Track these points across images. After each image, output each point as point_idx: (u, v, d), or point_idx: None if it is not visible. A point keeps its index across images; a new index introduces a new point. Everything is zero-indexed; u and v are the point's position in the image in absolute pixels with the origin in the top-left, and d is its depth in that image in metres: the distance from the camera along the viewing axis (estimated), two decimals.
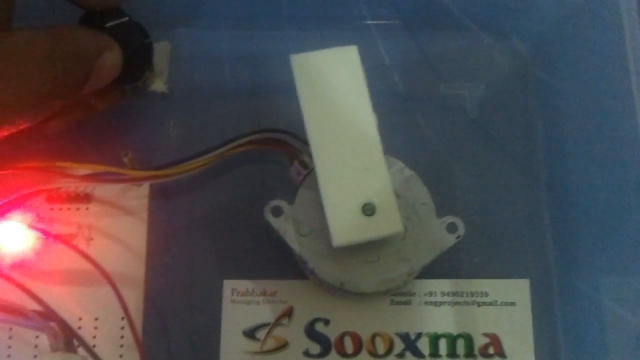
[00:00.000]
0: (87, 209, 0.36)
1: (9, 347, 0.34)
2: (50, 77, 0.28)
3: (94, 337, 0.34)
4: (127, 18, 0.32)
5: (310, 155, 0.33)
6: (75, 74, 0.29)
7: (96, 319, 0.34)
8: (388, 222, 0.31)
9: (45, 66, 0.28)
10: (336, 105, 0.32)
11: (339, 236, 0.31)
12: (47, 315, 0.28)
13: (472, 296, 0.36)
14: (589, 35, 0.36)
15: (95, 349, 0.30)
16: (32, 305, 0.29)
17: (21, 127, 0.29)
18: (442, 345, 0.35)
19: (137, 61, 0.33)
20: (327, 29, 0.40)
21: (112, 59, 0.31)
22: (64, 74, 0.28)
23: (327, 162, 0.31)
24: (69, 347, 0.27)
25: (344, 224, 0.31)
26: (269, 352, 0.35)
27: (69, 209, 0.36)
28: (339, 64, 0.32)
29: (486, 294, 0.36)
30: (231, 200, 0.37)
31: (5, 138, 0.29)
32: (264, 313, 0.35)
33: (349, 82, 0.32)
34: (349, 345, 0.35)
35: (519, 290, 0.36)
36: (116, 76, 0.32)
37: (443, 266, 0.36)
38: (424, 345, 0.35)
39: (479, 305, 0.36)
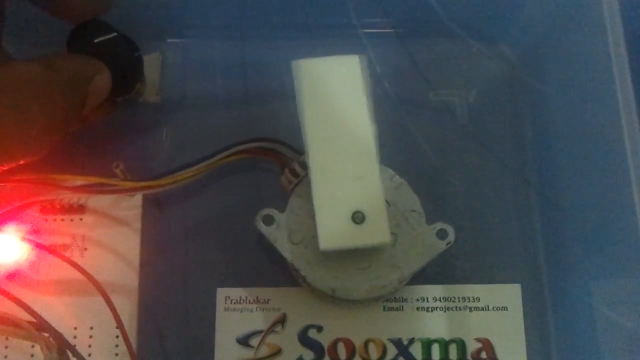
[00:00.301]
0: (81, 219, 0.36)
1: (5, 356, 0.34)
2: (49, 107, 0.28)
3: (89, 346, 0.34)
4: (115, 33, 0.32)
5: (301, 164, 0.34)
6: (72, 101, 0.29)
7: (91, 328, 0.35)
8: (376, 232, 0.31)
9: (43, 96, 0.27)
10: (335, 112, 0.32)
11: (327, 241, 0.31)
12: (41, 327, 0.28)
13: (464, 301, 0.36)
14: (575, 41, 0.36)
15: (91, 358, 0.31)
16: (26, 316, 0.29)
17: (23, 161, 0.28)
18: (435, 350, 0.36)
19: (127, 75, 0.34)
20: (318, 37, 0.41)
21: (102, 81, 0.31)
22: (62, 102, 0.28)
23: (322, 167, 0.32)
24: (63, 358, 0.28)
25: (333, 229, 0.31)
26: (263, 359, 0.35)
27: (63, 219, 0.36)
28: (340, 72, 0.32)
29: (478, 299, 0.36)
30: (224, 209, 0.38)
31: (6, 173, 0.29)
32: (258, 320, 0.36)
33: (349, 91, 0.32)
34: (342, 352, 0.35)
35: (510, 295, 0.37)
36: (106, 96, 0.32)
37: (435, 272, 0.37)
38: (416, 351, 0.35)
39: (471, 311, 0.36)
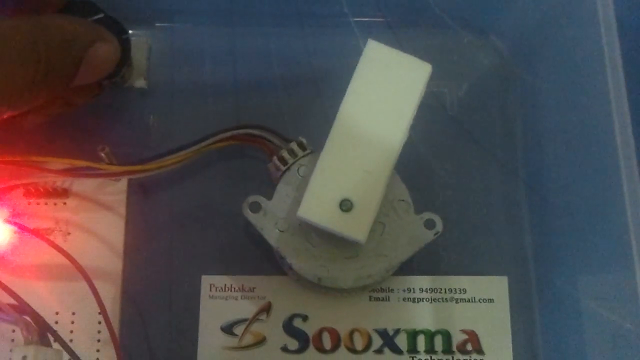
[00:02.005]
0: (65, 203, 0.36)
1: None
2: (33, 65, 0.27)
3: (71, 331, 0.34)
4: (102, 14, 0.32)
5: (289, 152, 0.34)
6: (61, 63, 0.29)
7: (73, 314, 0.34)
8: (355, 227, 0.30)
9: (27, 54, 0.27)
10: (378, 103, 0.31)
11: (306, 210, 0.30)
12: (22, 309, 0.28)
13: (450, 293, 0.36)
14: (567, 34, 0.36)
15: (72, 343, 0.30)
16: (7, 299, 0.29)
17: (4, 116, 0.28)
18: (420, 341, 0.35)
19: None
20: (309, 25, 0.40)
21: (105, 50, 0.31)
22: (49, 62, 0.28)
23: (339, 143, 0.31)
24: (43, 341, 0.27)
25: (317, 204, 0.30)
26: (247, 347, 0.35)
27: (46, 203, 0.36)
28: (407, 71, 0.32)
29: (464, 291, 0.36)
30: (210, 196, 0.37)
31: None
32: (242, 308, 0.35)
33: (404, 93, 0.31)
34: (327, 341, 0.35)
35: (497, 287, 0.36)
36: (112, 69, 0.32)
37: (422, 263, 0.36)
38: (402, 341, 0.35)
39: (457, 302, 0.36)
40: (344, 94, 0.31)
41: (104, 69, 0.31)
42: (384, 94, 0.31)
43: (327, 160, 0.31)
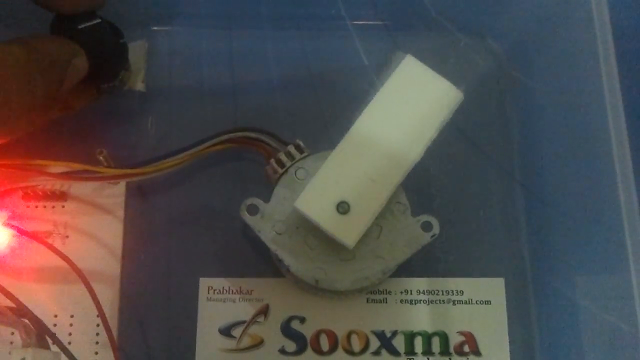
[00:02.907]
0: (63, 206, 0.36)
1: None
2: (29, 87, 0.28)
3: (70, 334, 0.34)
4: (99, 20, 0.32)
5: (287, 154, 0.34)
6: (51, 81, 0.29)
7: (72, 316, 0.34)
8: (346, 231, 0.31)
9: (23, 77, 0.27)
10: (399, 117, 0.32)
11: (303, 203, 0.31)
12: (20, 312, 0.28)
13: (447, 295, 0.36)
14: (563, 36, 0.36)
15: (71, 346, 0.30)
16: (6, 302, 0.29)
17: (3, 140, 0.29)
18: (418, 343, 0.35)
19: (112, 61, 0.34)
20: (306, 28, 0.41)
21: (80, 63, 0.31)
22: (42, 83, 0.28)
23: (350, 148, 0.31)
24: (42, 344, 0.27)
25: (315, 200, 0.31)
26: (245, 349, 0.35)
27: (45, 206, 0.36)
28: (436, 94, 0.32)
29: (461, 293, 0.36)
30: (208, 199, 0.37)
31: None
32: (240, 311, 0.35)
33: (429, 113, 0.32)
34: (324, 343, 0.35)
35: (494, 289, 0.37)
36: (82, 78, 0.32)
37: (419, 265, 0.37)
38: (399, 343, 0.35)
39: (454, 304, 0.36)
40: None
41: (77, 80, 0.32)
42: (409, 110, 0.32)
43: (336, 160, 0.31)
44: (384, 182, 0.31)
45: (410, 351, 0.35)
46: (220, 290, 0.36)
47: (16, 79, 0.27)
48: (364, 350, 0.35)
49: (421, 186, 0.38)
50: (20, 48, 0.28)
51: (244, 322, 0.35)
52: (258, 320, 0.35)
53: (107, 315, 0.33)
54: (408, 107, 0.32)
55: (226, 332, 0.35)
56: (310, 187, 0.31)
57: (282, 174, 0.34)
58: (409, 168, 0.31)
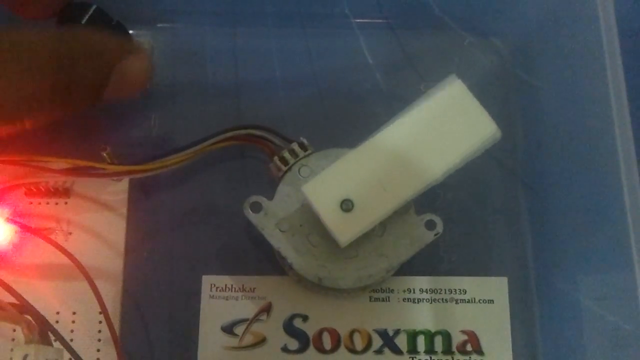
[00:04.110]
0: (66, 203, 0.36)
1: None
2: (53, 75, 0.27)
3: (72, 331, 0.34)
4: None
5: (290, 152, 0.34)
6: (87, 76, 0.29)
7: (74, 313, 0.34)
8: (342, 228, 0.31)
9: (47, 64, 0.27)
10: (430, 138, 0.31)
11: (310, 189, 0.31)
12: (23, 308, 0.28)
13: (450, 293, 0.36)
14: (567, 35, 0.36)
15: (73, 343, 0.30)
16: (9, 298, 0.29)
17: (27, 126, 0.29)
18: (420, 341, 0.35)
19: None
20: (310, 26, 0.41)
21: (136, 66, 0.31)
22: (72, 74, 0.28)
23: (372, 152, 0.31)
24: (44, 340, 0.27)
25: (323, 189, 0.31)
26: (247, 347, 0.35)
27: (48, 203, 0.36)
28: (472, 124, 0.31)
29: (464, 292, 0.36)
30: (211, 196, 0.37)
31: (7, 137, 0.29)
32: (243, 309, 0.35)
33: (459, 141, 0.31)
34: (327, 342, 0.35)
35: (497, 288, 0.37)
36: (145, 85, 0.31)
37: (422, 263, 0.37)
38: (402, 342, 0.35)
39: (457, 303, 0.36)
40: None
41: (136, 84, 0.31)
42: (442, 132, 0.31)
43: (354, 158, 0.31)
44: (395, 194, 0.31)
45: (413, 350, 0.35)
46: (223, 288, 0.36)
47: (40, 63, 0.27)
48: (366, 348, 0.35)
49: None
50: (50, 33, 0.28)
51: (246, 319, 0.35)
52: (260, 318, 0.35)
53: (109, 312, 0.33)
54: (442, 128, 0.31)
55: (229, 329, 0.35)
56: (322, 175, 0.31)
57: (286, 171, 0.34)
58: (424, 188, 0.31)
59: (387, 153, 0.31)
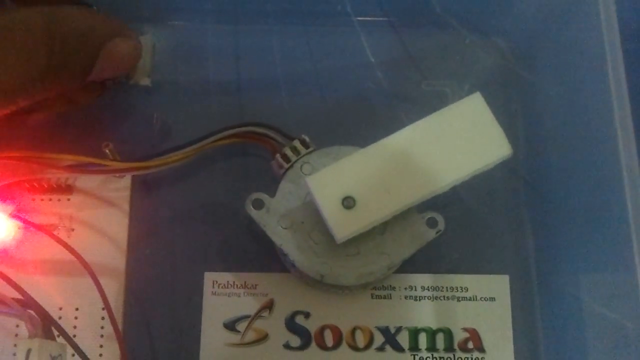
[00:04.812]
0: (69, 199, 0.36)
1: None
2: (45, 55, 0.28)
3: (75, 326, 0.34)
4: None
5: (292, 149, 0.34)
6: (76, 56, 0.29)
7: (77, 309, 0.34)
8: (340, 224, 0.31)
9: (41, 44, 0.27)
10: (442, 149, 0.31)
11: (315, 181, 0.31)
12: (26, 304, 0.28)
13: (452, 291, 0.36)
14: (568, 34, 0.36)
15: (76, 339, 0.30)
16: (12, 293, 0.29)
17: (16, 106, 0.29)
18: (422, 339, 0.35)
19: None
20: (312, 24, 0.41)
21: (124, 47, 0.31)
22: (62, 54, 0.28)
23: (380, 154, 0.31)
24: (48, 335, 0.27)
25: (327, 183, 0.31)
26: (249, 344, 0.35)
27: (50, 199, 0.36)
28: (486, 140, 0.31)
29: (466, 289, 0.36)
30: (213, 193, 0.37)
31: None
32: (245, 305, 0.35)
33: (470, 156, 0.31)
34: (329, 339, 0.35)
35: (498, 285, 0.37)
36: (131, 66, 0.31)
37: (423, 261, 0.37)
38: (403, 339, 0.35)
39: (458, 300, 0.36)
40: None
41: (123, 65, 0.31)
42: (454, 143, 0.31)
43: (362, 157, 0.31)
44: (397, 198, 0.31)
45: (415, 347, 0.35)
46: (225, 285, 0.36)
47: (33, 42, 0.27)
48: (368, 345, 0.35)
49: None
50: (42, 12, 0.28)
51: (248, 316, 0.35)
52: (263, 315, 0.35)
53: (112, 308, 0.33)
54: (454, 140, 0.31)
55: (231, 326, 0.35)
56: (328, 170, 0.31)
57: (288, 168, 0.34)
58: (428, 197, 0.31)
59: (396, 157, 0.31)
